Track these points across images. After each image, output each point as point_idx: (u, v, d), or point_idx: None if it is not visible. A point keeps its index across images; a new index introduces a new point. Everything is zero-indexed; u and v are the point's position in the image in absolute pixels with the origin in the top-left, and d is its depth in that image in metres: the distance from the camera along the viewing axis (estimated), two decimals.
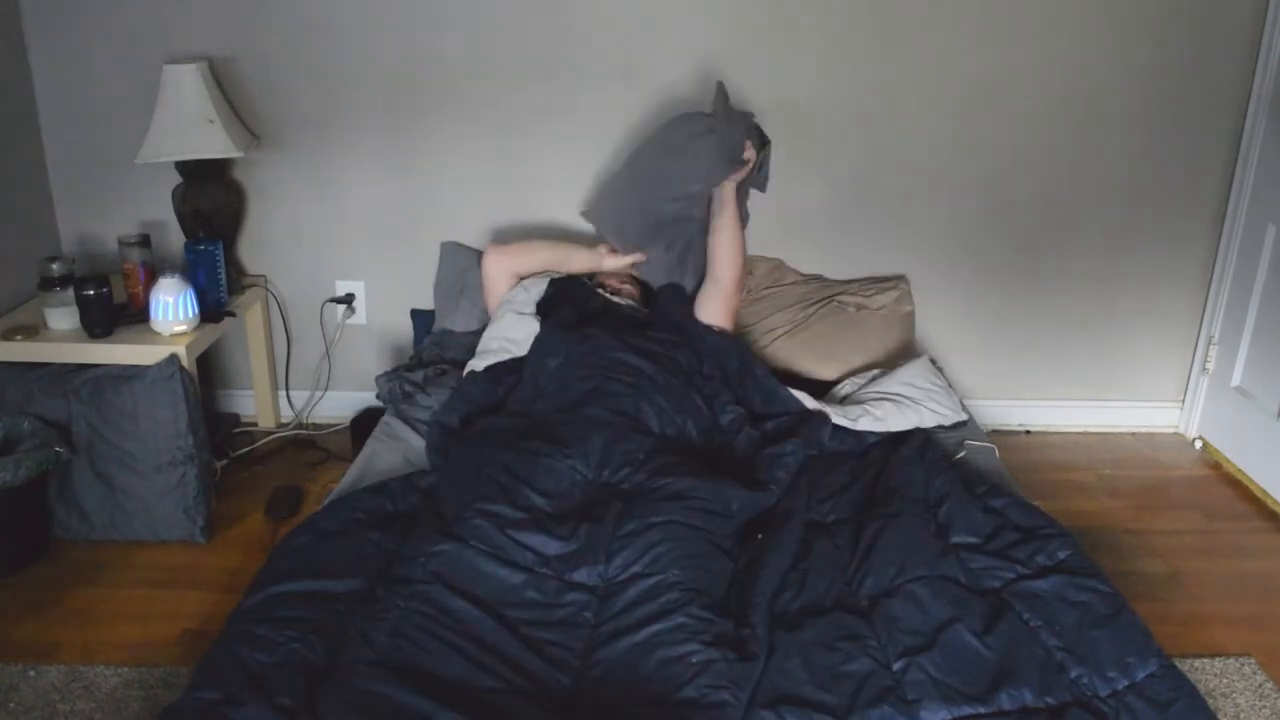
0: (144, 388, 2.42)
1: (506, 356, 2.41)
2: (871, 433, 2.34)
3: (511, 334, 2.45)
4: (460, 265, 2.88)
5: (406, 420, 2.46)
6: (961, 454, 2.37)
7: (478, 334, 2.67)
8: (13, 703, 1.94)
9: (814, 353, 2.75)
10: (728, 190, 2.51)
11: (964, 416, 2.52)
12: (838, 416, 2.33)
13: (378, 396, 2.57)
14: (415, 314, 2.98)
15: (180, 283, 2.51)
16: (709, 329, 2.50)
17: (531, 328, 2.45)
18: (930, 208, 2.95)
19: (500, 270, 2.62)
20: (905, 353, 2.82)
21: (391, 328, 3.07)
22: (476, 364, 2.44)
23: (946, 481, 2.12)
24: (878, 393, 2.50)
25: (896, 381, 2.53)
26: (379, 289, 3.03)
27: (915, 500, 2.08)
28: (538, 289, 2.58)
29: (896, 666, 1.65)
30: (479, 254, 2.90)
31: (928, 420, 2.42)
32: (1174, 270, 3.02)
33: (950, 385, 2.60)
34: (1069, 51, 2.80)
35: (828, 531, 2.05)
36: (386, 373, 2.58)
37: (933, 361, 2.69)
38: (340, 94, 2.83)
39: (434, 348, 2.71)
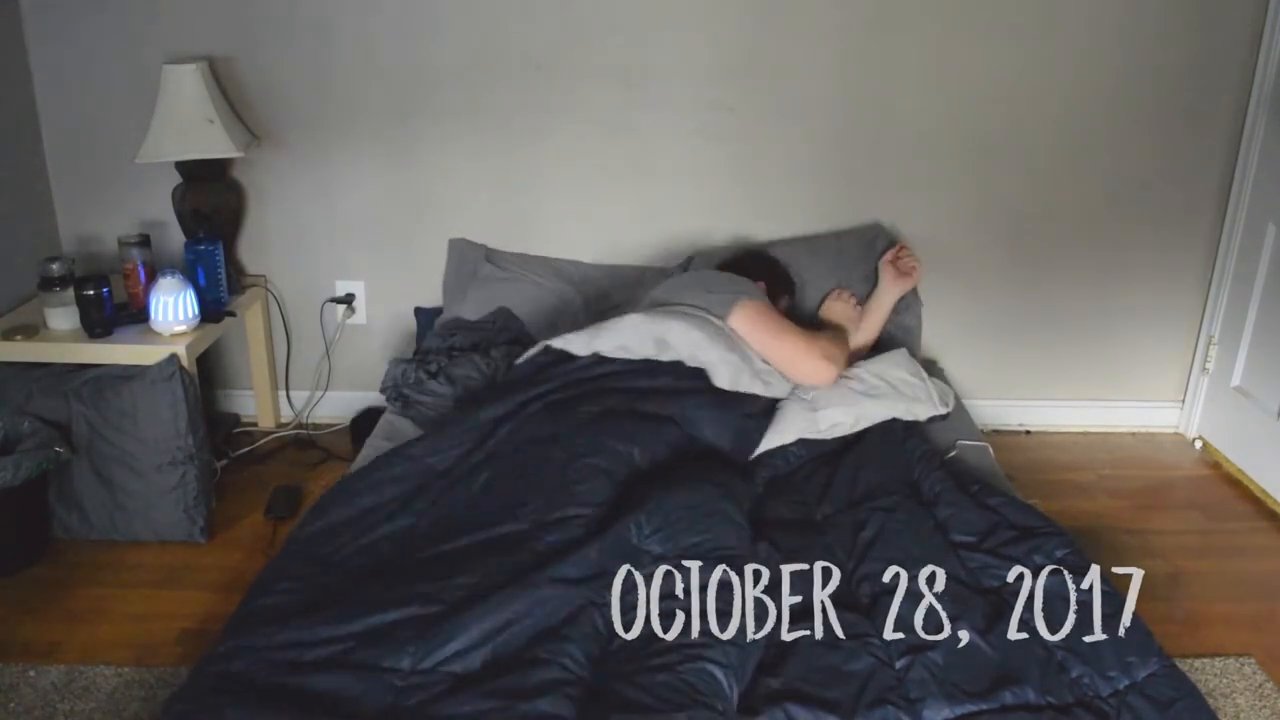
0: (144, 388, 2.41)
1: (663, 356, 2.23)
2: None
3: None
4: (469, 259, 2.90)
5: (408, 403, 2.47)
6: (952, 453, 2.35)
7: (490, 321, 2.68)
8: (13, 703, 1.94)
9: None
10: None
11: (943, 410, 2.41)
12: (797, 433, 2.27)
13: (381, 389, 2.55)
14: (419, 312, 2.98)
15: (180, 283, 2.51)
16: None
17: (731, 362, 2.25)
18: (931, 207, 2.95)
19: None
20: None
21: (391, 327, 3.07)
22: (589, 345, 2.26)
23: (939, 480, 2.12)
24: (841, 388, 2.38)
25: (869, 372, 2.42)
26: (379, 289, 3.03)
27: (906, 496, 2.08)
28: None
29: (899, 664, 1.65)
30: (485, 248, 2.94)
31: (901, 416, 2.35)
32: (1174, 270, 3.02)
33: (928, 378, 2.48)
34: (1069, 52, 2.80)
35: (817, 529, 2.05)
36: (402, 358, 2.56)
37: (913, 356, 2.60)
38: (340, 94, 2.83)
39: (437, 339, 2.70)
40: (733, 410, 2.22)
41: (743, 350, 2.28)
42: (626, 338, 2.23)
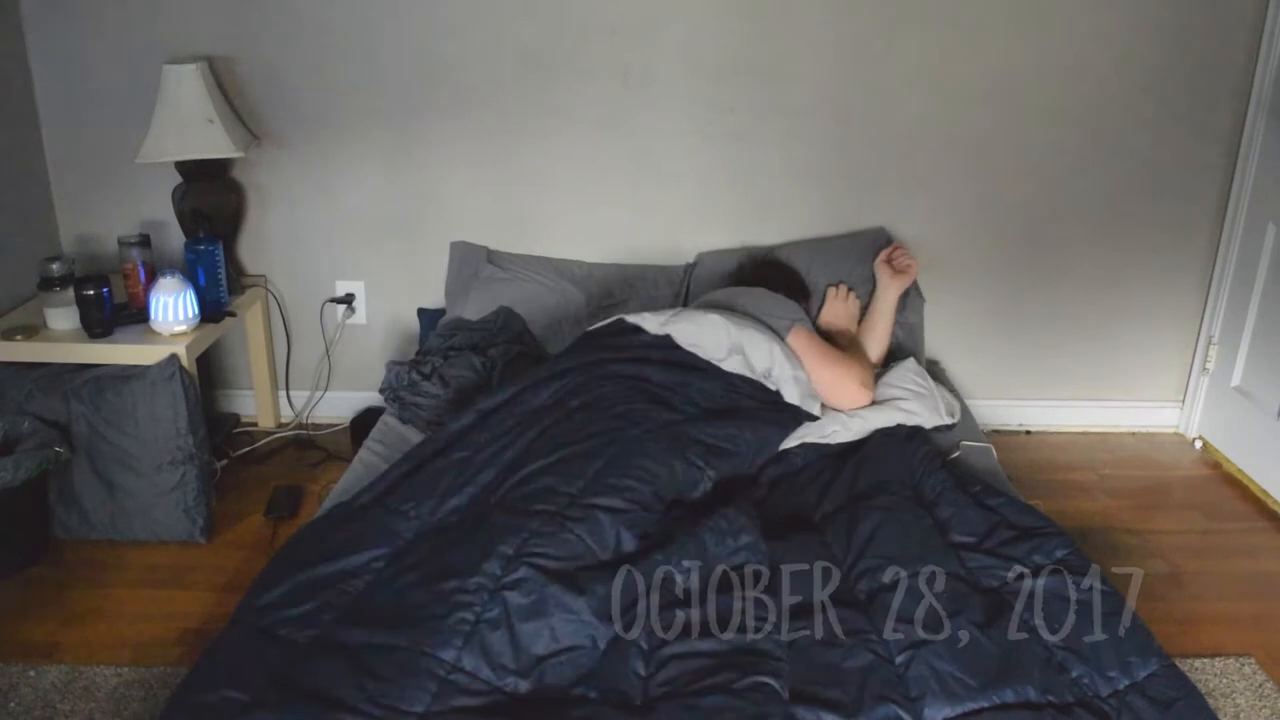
0: (144, 388, 2.42)
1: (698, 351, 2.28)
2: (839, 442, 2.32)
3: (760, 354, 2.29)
4: (471, 261, 2.91)
5: (405, 405, 2.47)
6: (956, 454, 2.35)
7: (492, 319, 2.68)
8: (13, 703, 1.94)
9: None
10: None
11: (949, 421, 2.43)
12: (799, 438, 2.28)
13: (381, 389, 2.56)
14: (422, 313, 2.98)
15: (180, 283, 2.51)
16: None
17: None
18: (931, 207, 2.95)
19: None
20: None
21: (391, 328, 3.07)
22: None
23: (940, 480, 2.11)
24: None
25: (880, 382, 2.47)
26: (379, 289, 3.03)
27: (906, 496, 2.08)
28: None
29: (899, 659, 1.65)
30: (485, 250, 2.94)
31: (905, 423, 2.37)
32: (1174, 270, 3.03)
33: (935, 388, 2.50)
34: (1070, 52, 2.80)
35: (815, 528, 2.05)
36: (399, 360, 2.57)
37: (917, 361, 2.63)
38: (340, 94, 2.83)
39: (438, 339, 2.70)
40: (786, 430, 2.25)
41: (804, 370, 2.33)
42: (704, 337, 2.26)
